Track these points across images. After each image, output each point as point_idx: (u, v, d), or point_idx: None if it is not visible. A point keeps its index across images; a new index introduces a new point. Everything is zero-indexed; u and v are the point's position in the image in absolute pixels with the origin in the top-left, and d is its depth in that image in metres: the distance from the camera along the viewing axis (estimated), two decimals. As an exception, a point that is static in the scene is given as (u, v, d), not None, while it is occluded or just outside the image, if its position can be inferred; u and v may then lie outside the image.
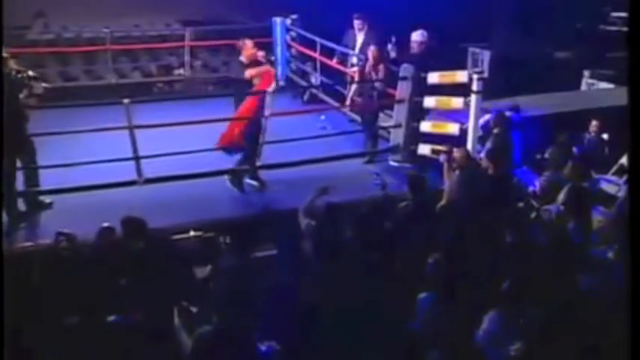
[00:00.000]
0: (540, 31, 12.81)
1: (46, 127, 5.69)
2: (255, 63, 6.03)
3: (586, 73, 12.16)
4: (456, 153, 5.37)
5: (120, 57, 10.33)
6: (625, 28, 11.83)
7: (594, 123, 7.81)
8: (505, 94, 8.43)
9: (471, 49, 13.89)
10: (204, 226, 5.32)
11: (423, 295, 3.68)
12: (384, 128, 6.84)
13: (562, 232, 4.32)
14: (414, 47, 6.51)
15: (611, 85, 11.43)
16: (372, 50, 6.87)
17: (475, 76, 5.80)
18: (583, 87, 12.11)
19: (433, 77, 6.13)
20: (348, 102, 7.49)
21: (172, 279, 4.18)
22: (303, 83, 9.51)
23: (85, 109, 7.88)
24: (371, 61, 6.86)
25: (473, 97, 5.88)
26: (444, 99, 6.16)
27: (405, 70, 6.32)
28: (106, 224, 4.47)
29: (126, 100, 5.27)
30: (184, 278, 4.38)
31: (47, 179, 5.51)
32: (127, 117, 5.32)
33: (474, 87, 5.83)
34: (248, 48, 6.06)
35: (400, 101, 6.41)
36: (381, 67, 6.79)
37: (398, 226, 4.60)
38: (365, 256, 4.10)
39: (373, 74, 6.87)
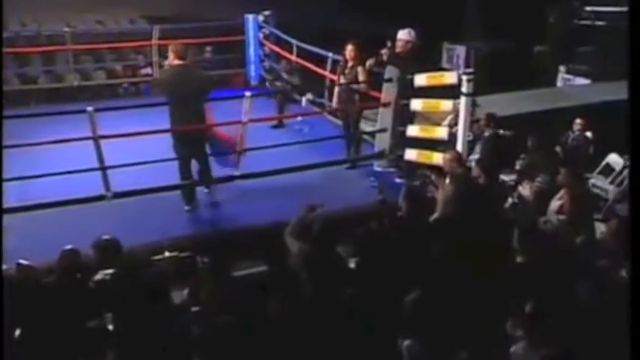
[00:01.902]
0: (514, 26, 12.67)
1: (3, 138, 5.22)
2: None
3: (562, 68, 12.11)
4: (446, 156, 5.08)
5: (82, 56, 9.78)
6: (599, 22, 11.85)
7: (578, 121, 7.66)
8: (479, 92, 8.24)
9: (446, 45, 13.76)
10: (179, 245, 4.92)
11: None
12: (368, 133, 6.52)
13: (571, 246, 4.07)
14: (399, 47, 6.17)
15: (587, 81, 11.39)
16: (349, 50, 6.53)
17: (465, 77, 5.51)
18: (559, 83, 12.07)
19: (420, 79, 5.82)
20: (327, 105, 7.14)
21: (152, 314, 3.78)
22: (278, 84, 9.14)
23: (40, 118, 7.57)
24: (349, 61, 6.54)
25: (463, 100, 5.60)
26: (432, 102, 5.85)
27: (390, 71, 6.00)
28: (69, 246, 4.02)
29: (90, 108, 4.80)
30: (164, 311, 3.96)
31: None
32: (92, 126, 4.85)
33: (464, 89, 5.55)
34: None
35: (385, 104, 6.08)
36: (359, 68, 6.45)
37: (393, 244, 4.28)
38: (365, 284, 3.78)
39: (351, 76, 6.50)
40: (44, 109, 8.40)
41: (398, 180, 6.26)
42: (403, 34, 6.11)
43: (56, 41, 9.28)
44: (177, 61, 5.33)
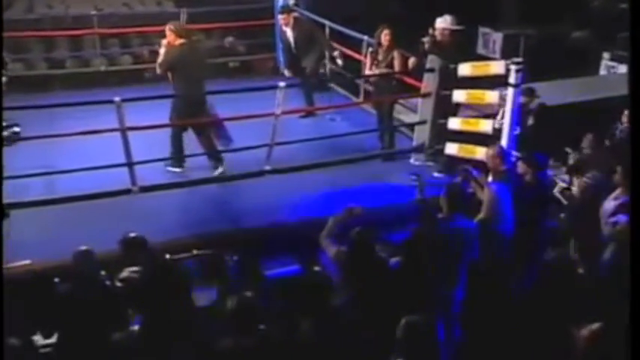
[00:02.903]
0: (552, 9, 12.05)
1: (27, 129, 5.05)
2: None
3: (605, 55, 11.47)
4: (490, 151, 4.72)
5: (109, 40, 9.55)
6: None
7: (628, 112, 7.18)
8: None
9: (481, 30, 13.19)
10: (206, 241, 4.69)
11: None
12: (407, 125, 6.18)
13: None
14: (439, 35, 5.80)
15: (634, 68, 10.74)
16: (384, 34, 6.15)
17: (513, 67, 5.12)
18: (602, 71, 11.45)
19: (464, 69, 5.44)
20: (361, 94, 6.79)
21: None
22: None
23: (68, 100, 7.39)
24: (383, 46, 6.18)
25: (510, 91, 5.21)
26: (476, 92, 5.48)
27: (432, 61, 5.62)
28: (83, 247, 3.81)
29: (117, 99, 4.56)
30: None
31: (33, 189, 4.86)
32: (119, 117, 4.61)
33: (512, 79, 5.16)
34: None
35: (426, 95, 5.72)
36: (395, 53, 6.08)
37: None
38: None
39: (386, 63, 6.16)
40: (70, 93, 8.33)
41: (436, 175, 5.95)
42: (440, 22, 5.78)
43: (83, 24, 9.05)
44: (179, 40, 5.54)
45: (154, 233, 4.71)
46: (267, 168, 5.32)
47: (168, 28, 5.58)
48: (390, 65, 6.12)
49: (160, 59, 5.54)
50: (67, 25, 9.34)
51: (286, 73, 7.68)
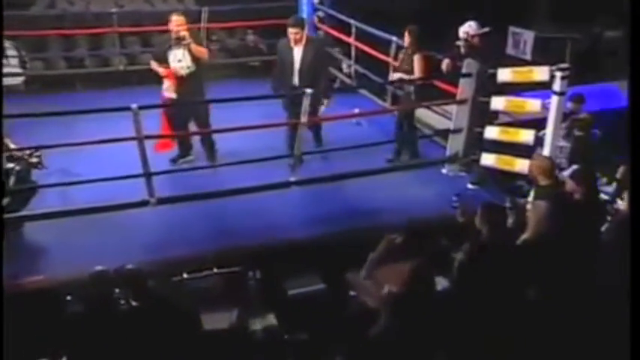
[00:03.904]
0: (586, 8, 11.51)
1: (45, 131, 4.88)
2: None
3: (644, 56, 10.92)
4: (535, 163, 4.36)
5: (129, 37, 9.34)
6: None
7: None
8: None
9: (511, 29, 12.70)
10: (226, 257, 4.41)
11: None
12: (440, 134, 5.83)
13: None
14: (471, 39, 5.50)
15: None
16: (405, 35, 5.86)
17: (559, 74, 4.74)
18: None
19: (504, 74, 5.06)
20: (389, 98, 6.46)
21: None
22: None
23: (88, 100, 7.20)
24: (407, 46, 5.86)
25: (554, 99, 4.84)
26: (516, 100, 5.11)
27: (469, 65, 5.25)
28: (99, 267, 3.56)
29: (134, 106, 4.29)
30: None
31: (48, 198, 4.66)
32: (136, 126, 4.34)
33: (557, 86, 4.78)
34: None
35: (462, 102, 5.36)
36: (416, 56, 5.76)
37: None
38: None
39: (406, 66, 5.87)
40: (91, 93, 8.16)
41: (470, 187, 5.60)
42: (466, 29, 5.51)
43: (103, 21, 8.85)
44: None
45: (169, 248, 4.49)
46: (293, 179, 5.01)
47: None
48: (411, 68, 5.81)
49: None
50: (88, 22, 9.16)
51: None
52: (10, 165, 4.58)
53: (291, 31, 5.66)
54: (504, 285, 3.64)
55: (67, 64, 9.09)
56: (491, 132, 5.29)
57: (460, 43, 5.51)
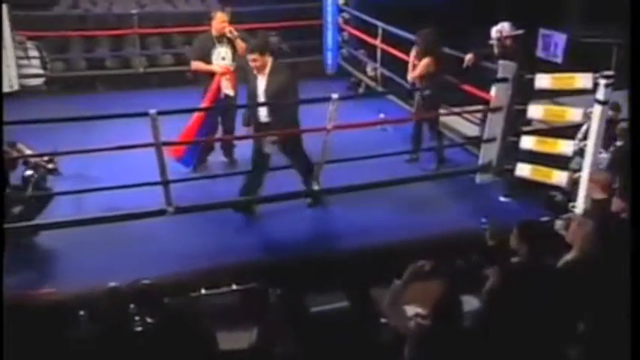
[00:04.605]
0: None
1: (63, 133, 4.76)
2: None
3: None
4: (595, 178, 4.05)
5: (150, 38, 9.21)
6: None
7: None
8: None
9: (542, 31, 12.31)
10: (244, 272, 4.20)
11: None
12: (472, 142, 5.56)
13: None
14: (503, 40, 5.31)
15: None
16: (419, 34, 5.72)
17: (602, 82, 4.43)
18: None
19: (543, 80, 4.76)
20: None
21: None
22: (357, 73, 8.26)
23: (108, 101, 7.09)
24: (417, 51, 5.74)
25: (597, 108, 4.53)
26: (555, 108, 4.82)
27: (505, 69, 4.96)
28: (112, 284, 3.38)
29: (152, 111, 4.10)
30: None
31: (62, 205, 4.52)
32: (154, 132, 4.15)
33: (600, 95, 4.47)
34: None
35: (496, 109, 5.07)
36: (425, 59, 5.57)
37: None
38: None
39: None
40: (110, 94, 8.06)
41: (503, 199, 5.31)
42: (498, 30, 5.35)
43: (125, 22, 8.74)
44: None
45: (184, 260, 4.30)
46: (316, 188, 4.77)
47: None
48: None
49: None
50: (110, 23, 9.07)
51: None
52: (29, 172, 4.44)
53: (249, 57, 4.70)
54: (544, 313, 3.35)
55: (87, 64, 9.00)
56: (528, 142, 4.98)
57: (493, 42, 5.37)
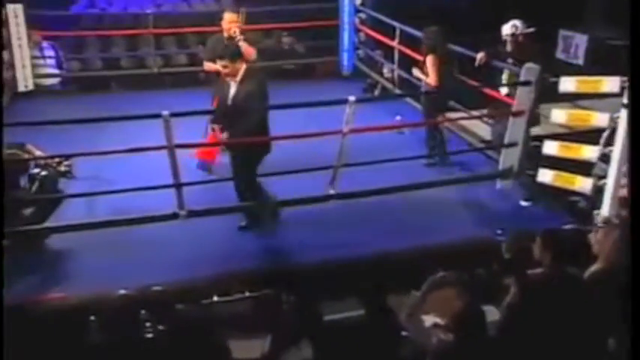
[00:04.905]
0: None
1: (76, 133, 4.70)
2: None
3: None
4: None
5: (165, 38, 9.19)
6: None
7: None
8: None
9: (562, 32, 12.09)
10: (256, 279, 4.11)
11: None
12: (493, 147, 5.41)
13: None
14: (517, 38, 5.27)
15: None
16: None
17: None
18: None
19: (567, 83, 4.61)
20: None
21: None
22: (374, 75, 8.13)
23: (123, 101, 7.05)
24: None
25: (623, 113, 4.37)
26: (579, 113, 4.67)
27: (529, 71, 4.81)
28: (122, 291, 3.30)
29: (165, 113, 4.01)
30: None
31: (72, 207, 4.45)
32: (167, 134, 4.07)
33: (627, 99, 4.31)
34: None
35: (518, 114, 4.91)
36: (428, 58, 5.58)
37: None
38: None
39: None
40: (125, 93, 8.03)
41: (523, 203, 5.17)
42: (510, 28, 5.29)
43: (140, 21, 8.71)
44: None
45: (195, 266, 4.21)
46: (332, 192, 4.66)
47: None
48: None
49: None
50: (126, 22, 9.06)
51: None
52: (36, 170, 4.39)
53: (218, 63, 4.51)
54: (569, 327, 3.21)
55: (103, 64, 9.00)
56: (551, 147, 4.83)
57: (507, 38, 5.34)
